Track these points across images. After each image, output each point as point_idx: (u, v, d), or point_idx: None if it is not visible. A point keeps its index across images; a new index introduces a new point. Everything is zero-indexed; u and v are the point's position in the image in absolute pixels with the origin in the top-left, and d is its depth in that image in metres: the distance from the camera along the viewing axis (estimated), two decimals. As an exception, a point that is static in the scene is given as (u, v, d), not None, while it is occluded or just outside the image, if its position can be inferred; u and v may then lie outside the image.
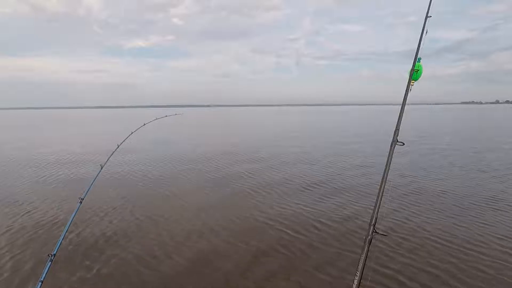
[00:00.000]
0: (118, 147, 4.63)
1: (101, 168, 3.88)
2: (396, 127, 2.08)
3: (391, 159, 2.06)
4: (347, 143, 18.53)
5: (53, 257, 2.42)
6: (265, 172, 10.86)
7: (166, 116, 7.35)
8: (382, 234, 2.17)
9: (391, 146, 2.07)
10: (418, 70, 2.06)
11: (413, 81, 2.08)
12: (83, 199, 3.10)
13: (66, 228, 2.75)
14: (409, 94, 2.21)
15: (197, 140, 21.86)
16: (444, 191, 8.15)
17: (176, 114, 9.28)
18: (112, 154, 4.51)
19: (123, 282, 4.31)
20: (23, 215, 6.89)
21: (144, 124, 5.57)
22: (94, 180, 3.52)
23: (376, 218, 2.16)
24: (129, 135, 5.19)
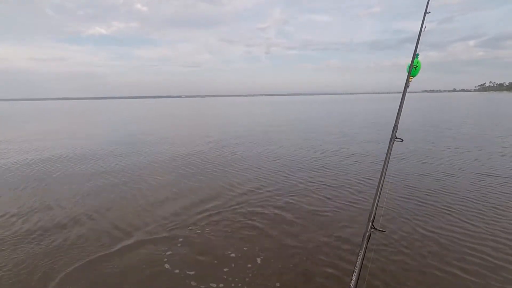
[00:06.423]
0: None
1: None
2: (395, 124, 2.07)
3: (390, 155, 2.05)
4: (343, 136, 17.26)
5: None
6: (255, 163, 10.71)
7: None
8: (380, 230, 2.18)
9: (390, 142, 2.06)
10: (417, 66, 2.05)
11: (412, 77, 2.06)
12: None
13: None
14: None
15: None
16: (444, 186, 7.67)
17: None
18: None
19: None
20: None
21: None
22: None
23: (374, 214, 2.16)
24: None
